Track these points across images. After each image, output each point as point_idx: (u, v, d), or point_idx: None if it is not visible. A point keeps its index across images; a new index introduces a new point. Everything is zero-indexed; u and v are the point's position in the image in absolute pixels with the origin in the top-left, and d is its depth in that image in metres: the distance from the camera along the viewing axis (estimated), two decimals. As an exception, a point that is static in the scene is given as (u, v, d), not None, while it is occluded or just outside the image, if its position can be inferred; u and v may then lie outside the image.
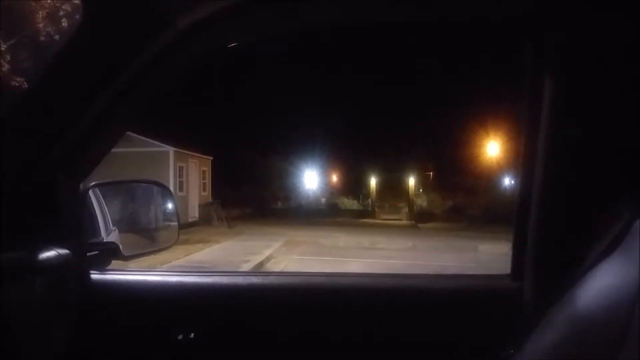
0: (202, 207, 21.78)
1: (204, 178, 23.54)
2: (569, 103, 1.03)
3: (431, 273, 1.58)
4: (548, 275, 1.04)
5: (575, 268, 0.77)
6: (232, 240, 15.36)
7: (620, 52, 0.97)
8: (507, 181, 28.69)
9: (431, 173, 34.40)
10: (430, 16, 1.22)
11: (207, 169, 24.00)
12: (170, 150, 19.89)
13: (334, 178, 35.88)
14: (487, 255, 11.99)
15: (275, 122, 33.89)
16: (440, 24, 1.33)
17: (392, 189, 33.69)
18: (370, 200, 33.15)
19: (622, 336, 0.54)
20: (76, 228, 1.30)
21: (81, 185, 1.35)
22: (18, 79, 12.01)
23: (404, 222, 27.07)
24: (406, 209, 30.54)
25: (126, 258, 1.58)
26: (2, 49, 12.08)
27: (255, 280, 1.36)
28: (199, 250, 12.46)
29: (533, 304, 1.11)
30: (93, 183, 1.50)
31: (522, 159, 1.16)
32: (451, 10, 1.17)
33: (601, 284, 0.66)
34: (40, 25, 12.51)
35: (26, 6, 12.36)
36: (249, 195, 28.93)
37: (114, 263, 1.48)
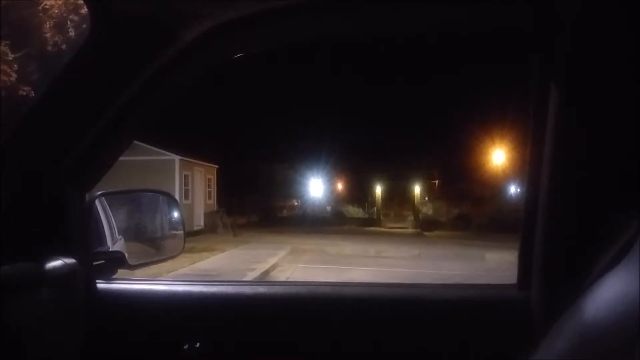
0: (208, 215, 21.82)
1: (209, 186, 23.60)
2: (576, 111, 1.03)
3: (438, 282, 1.58)
4: (555, 285, 1.04)
5: (582, 277, 0.76)
6: (237, 248, 15.35)
7: (626, 61, 0.96)
8: (513, 189, 28.59)
9: (437, 181, 34.33)
10: (438, 29, 1.23)
11: (213, 177, 24.07)
12: (176, 158, 19.98)
13: (339, 186, 35.86)
14: (494, 264, 11.92)
15: (281, 130, 33.98)
16: (447, 33, 1.34)
17: (398, 197, 33.64)
18: (375, 208, 33.08)
19: (632, 346, 0.54)
20: (83, 237, 1.31)
21: (87, 195, 1.36)
22: (25, 89, 12.11)
23: (410, 230, 26.98)
24: (412, 217, 30.48)
25: (132, 267, 1.58)
26: (10, 58, 12.19)
27: (261, 289, 1.36)
28: (204, 259, 12.45)
29: (540, 314, 1.10)
30: (99, 192, 1.50)
31: (529, 167, 1.16)
32: (459, 24, 1.17)
33: (609, 293, 0.66)
34: (48, 35, 12.64)
35: (35, 17, 12.49)
36: (255, 203, 28.97)
37: (120, 272, 1.48)
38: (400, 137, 35.26)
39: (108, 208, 2.10)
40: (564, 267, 1.02)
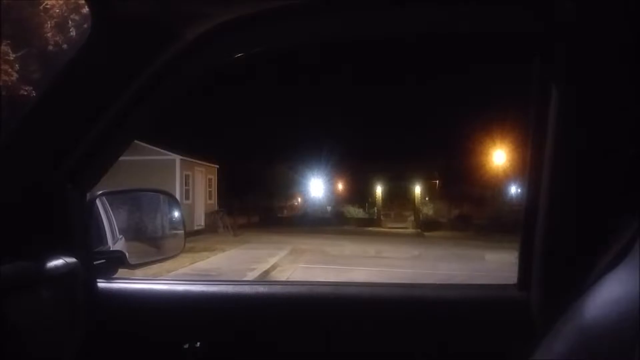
0: (208, 215, 21.83)
1: (210, 186, 23.61)
2: (576, 112, 1.03)
3: (438, 282, 1.58)
4: (555, 285, 1.04)
5: (582, 277, 0.76)
6: (237, 248, 15.36)
7: (626, 62, 0.97)
8: (514, 190, 28.60)
9: (437, 182, 34.28)
10: (439, 30, 1.23)
11: (213, 177, 24.08)
12: (177, 158, 19.99)
13: (340, 186, 35.87)
14: (494, 264, 11.92)
15: (282, 130, 34.04)
16: (447, 34, 1.34)
17: (398, 197, 33.62)
18: (376, 208, 33.05)
19: (632, 346, 0.53)
20: (83, 237, 1.31)
21: (88, 194, 1.36)
22: (26, 88, 12.13)
23: (410, 230, 26.97)
24: (412, 218, 30.45)
25: (133, 267, 1.58)
26: (11, 58, 12.21)
27: (261, 289, 1.36)
28: (204, 259, 12.47)
29: (539, 314, 1.11)
30: (100, 192, 1.50)
31: (529, 168, 1.16)
32: (460, 25, 1.17)
33: (610, 294, 0.66)
34: (49, 34, 12.66)
35: (36, 17, 12.52)
36: (255, 204, 28.99)
37: (121, 271, 1.48)
38: (401, 137, 35.30)
39: (109, 207, 2.10)
40: (564, 267, 1.02)
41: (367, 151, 33.67)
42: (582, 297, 0.69)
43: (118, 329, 1.32)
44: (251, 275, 10.32)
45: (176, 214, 2.08)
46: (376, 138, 35.91)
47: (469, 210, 28.25)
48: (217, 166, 24.20)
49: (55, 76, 1.15)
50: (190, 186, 20.92)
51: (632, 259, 0.65)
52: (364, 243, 17.68)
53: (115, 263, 1.48)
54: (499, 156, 26.74)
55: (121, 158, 1.34)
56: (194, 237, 16.31)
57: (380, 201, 33.62)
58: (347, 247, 16.02)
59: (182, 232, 2.03)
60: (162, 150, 19.49)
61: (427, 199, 33.45)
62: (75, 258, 1.19)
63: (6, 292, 0.98)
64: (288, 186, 32.28)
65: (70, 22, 12.68)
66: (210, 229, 20.59)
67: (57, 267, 1.13)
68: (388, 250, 15.59)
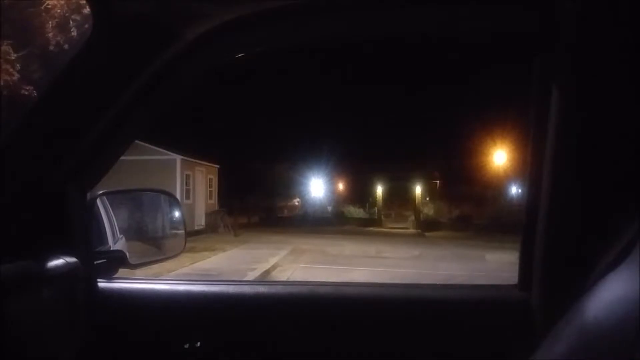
0: (209, 215, 21.85)
1: (210, 186, 23.63)
2: (576, 112, 1.02)
3: (439, 282, 1.58)
4: (556, 285, 1.04)
5: (583, 278, 0.76)
6: (238, 248, 15.37)
7: (627, 62, 0.96)
8: (514, 190, 28.60)
9: (438, 182, 34.27)
10: (441, 30, 1.23)
11: (214, 177, 24.10)
12: (177, 158, 20.01)
13: (340, 186, 35.89)
14: (494, 264, 11.92)
15: (282, 130, 34.07)
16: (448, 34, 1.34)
17: (399, 197, 33.63)
18: (376, 208, 33.04)
19: (633, 347, 0.53)
20: (84, 237, 1.31)
21: (89, 194, 1.36)
22: (27, 88, 12.15)
23: (411, 230, 26.95)
24: (413, 218, 30.43)
25: (133, 266, 1.58)
26: (12, 57, 12.23)
27: (262, 289, 1.36)
28: (205, 259, 12.47)
29: (540, 314, 1.10)
30: (101, 192, 1.50)
31: (530, 168, 1.16)
32: (461, 25, 1.17)
33: (611, 294, 0.65)
34: (50, 34, 12.67)
35: (37, 17, 12.53)
36: (256, 203, 29.02)
37: (121, 271, 1.48)
38: (401, 137, 35.34)
39: (109, 207, 2.10)
40: (565, 267, 1.02)
41: (367, 151, 33.73)
42: (583, 298, 0.69)
43: (118, 329, 1.32)
44: (252, 275, 10.32)
45: (177, 213, 2.08)
46: (376, 138, 35.98)
47: (470, 210, 28.22)
48: (218, 166, 24.22)
49: (56, 76, 1.15)
50: (191, 186, 20.93)
51: (633, 259, 0.65)
52: (365, 243, 17.68)
53: (116, 263, 1.48)
54: (499, 156, 26.77)
55: (122, 158, 1.34)
56: (194, 237, 16.32)
57: (381, 201, 33.60)
58: (347, 247, 16.01)
59: (182, 232, 2.03)
60: (162, 150, 19.51)
61: (427, 199, 33.42)
62: (76, 258, 1.19)
63: (7, 292, 0.98)
64: (288, 186, 32.30)
65: (71, 23, 12.69)
66: (211, 228, 20.60)
67: (57, 267, 1.13)
68: (388, 251, 15.59)
